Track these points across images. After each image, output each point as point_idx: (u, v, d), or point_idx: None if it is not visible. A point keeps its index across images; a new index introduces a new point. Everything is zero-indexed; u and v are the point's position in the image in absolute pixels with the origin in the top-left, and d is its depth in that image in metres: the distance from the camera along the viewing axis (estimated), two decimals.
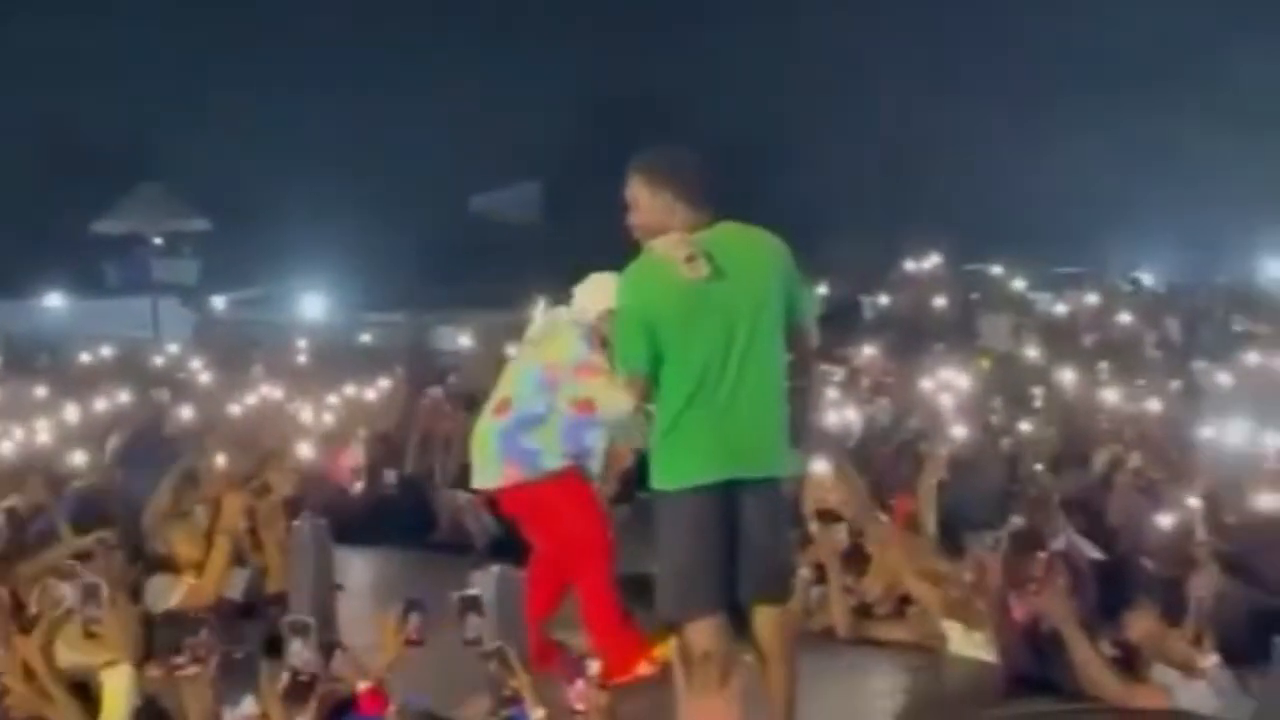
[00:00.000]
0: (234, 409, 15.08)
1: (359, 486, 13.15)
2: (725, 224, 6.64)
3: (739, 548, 6.48)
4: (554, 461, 8.04)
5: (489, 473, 8.20)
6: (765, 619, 6.56)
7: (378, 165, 32.61)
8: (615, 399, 6.91)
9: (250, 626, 8.25)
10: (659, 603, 6.59)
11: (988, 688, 8.20)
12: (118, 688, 6.77)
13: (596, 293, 8.07)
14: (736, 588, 6.48)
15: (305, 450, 12.17)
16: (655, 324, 6.47)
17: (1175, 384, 15.95)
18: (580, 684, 5.73)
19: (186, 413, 14.60)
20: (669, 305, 6.48)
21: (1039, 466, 11.12)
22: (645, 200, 6.66)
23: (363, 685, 6.34)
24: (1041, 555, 8.20)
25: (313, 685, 6.05)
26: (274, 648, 6.62)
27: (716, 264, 6.46)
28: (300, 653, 6.18)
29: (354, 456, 13.31)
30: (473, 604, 6.54)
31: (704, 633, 6.37)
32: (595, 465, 8.17)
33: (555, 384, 8.02)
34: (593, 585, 8.08)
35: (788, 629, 6.66)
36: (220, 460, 10.38)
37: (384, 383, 16.50)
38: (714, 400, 6.44)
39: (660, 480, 6.55)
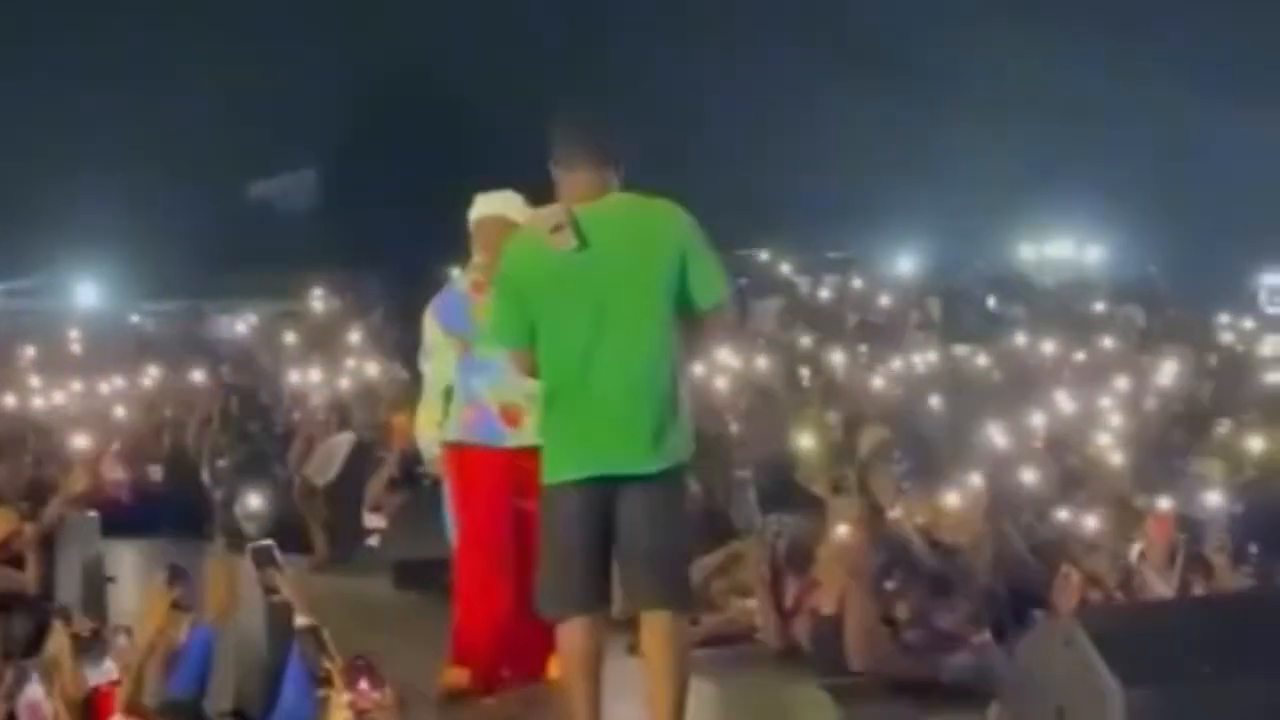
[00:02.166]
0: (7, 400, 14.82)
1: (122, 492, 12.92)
2: (619, 195, 6.11)
3: (619, 550, 6.02)
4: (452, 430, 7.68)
5: None
6: (650, 627, 6.00)
7: (153, 151, 32.08)
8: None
9: (16, 622, 8.14)
10: (537, 601, 6.22)
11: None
12: None
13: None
14: (623, 589, 6.09)
15: (80, 441, 12.04)
16: (526, 296, 6.02)
17: (935, 364, 16.32)
18: (363, 684, 5.63)
19: None
20: (536, 277, 6.01)
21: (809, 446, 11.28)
22: (552, 174, 6.18)
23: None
24: (838, 532, 8.33)
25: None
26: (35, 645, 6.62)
27: (589, 236, 5.95)
28: (125, 652, 6.18)
29: (110, 469, 13.00)
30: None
31: (573, 633, 6.01)
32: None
33: None
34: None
35: (675, 638, 6.02)
36: None
37: (154, 371, 16.28)
38: (581, 387, 5.95)
39: (543, 473, 6.13)
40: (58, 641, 6.16)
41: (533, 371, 6.12)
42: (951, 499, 9.27)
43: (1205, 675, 5.57)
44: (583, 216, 5.97)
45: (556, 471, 6.01)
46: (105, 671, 5.95)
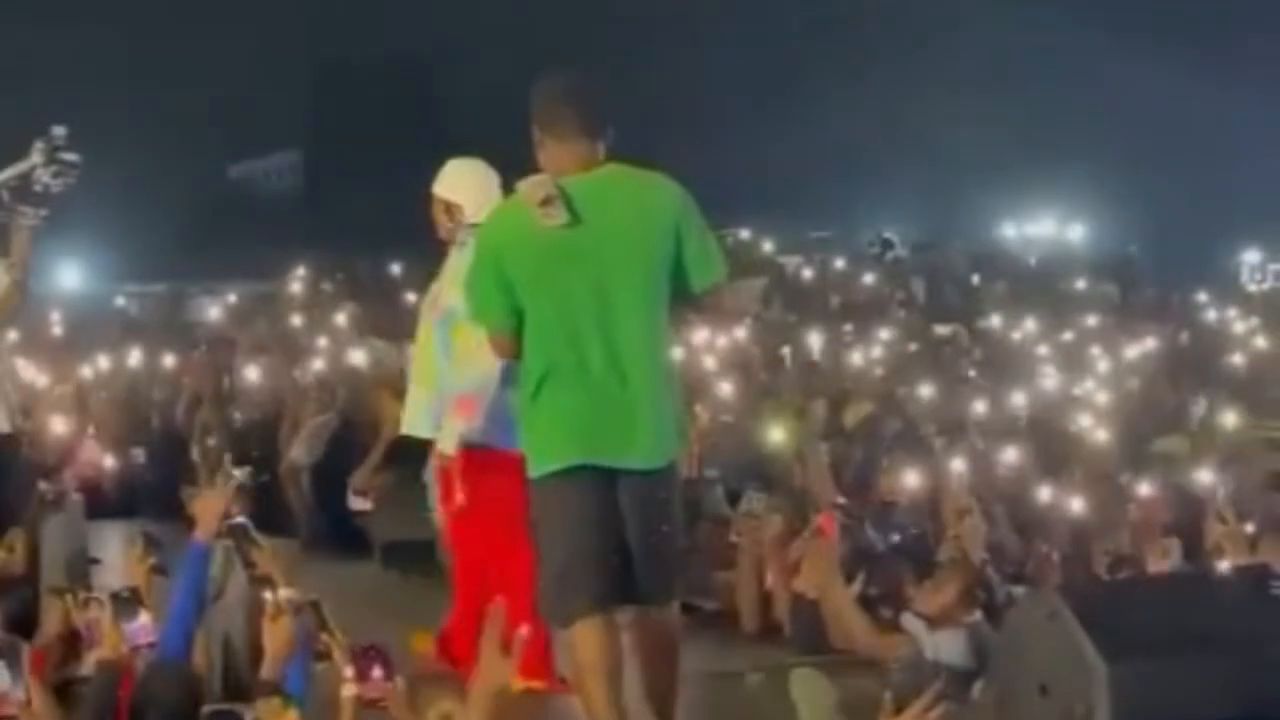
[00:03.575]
0: None
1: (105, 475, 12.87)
2: (612, 166, 5.74)
3: (620, 545, 5.71)
4: None
5: None
6: (648, 619, 5.80)
7: (137, 133, 32.03)
8: None
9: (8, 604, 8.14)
10: (540, 606, 5.86)
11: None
12: None
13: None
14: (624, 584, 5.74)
15: (58, 425, 12.02)
16: (510, 276, 5.67)
17: (914, 345, 16.33)
18: (376, 673, 5.53)
19: None
20: (521, 254, 5.65)
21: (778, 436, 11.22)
22: (534, 138, 5.80)
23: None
24: (817, 515, 8.35)
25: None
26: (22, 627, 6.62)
27: (580, 209, 5.58)
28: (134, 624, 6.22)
29: (91, 452, 12.93)
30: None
31: (590, 635, 5.62)
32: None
33: None
34: None
35: (674, 631, 5.86)
36: None
37: (138, 353, 16.24)
38: (575, 372, 5.63)
39: (528, 466, 5.78)
40: (59, 617, 6.20)
41: (514, 355, 5.81)
42: (929, 477, 9.33)
43: (1188, 651, 5.59)
44: (572, 188, 5.62)
45: (549, 460, 5.70)
46: (140, 627, 5.96)
